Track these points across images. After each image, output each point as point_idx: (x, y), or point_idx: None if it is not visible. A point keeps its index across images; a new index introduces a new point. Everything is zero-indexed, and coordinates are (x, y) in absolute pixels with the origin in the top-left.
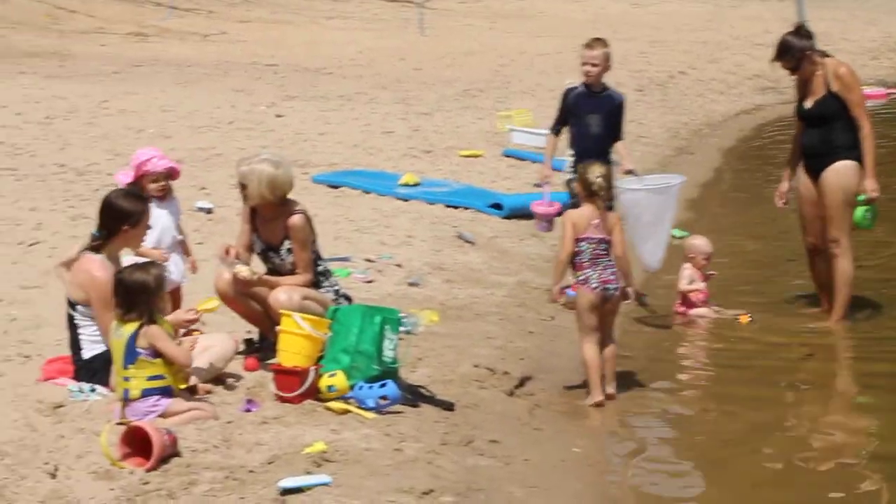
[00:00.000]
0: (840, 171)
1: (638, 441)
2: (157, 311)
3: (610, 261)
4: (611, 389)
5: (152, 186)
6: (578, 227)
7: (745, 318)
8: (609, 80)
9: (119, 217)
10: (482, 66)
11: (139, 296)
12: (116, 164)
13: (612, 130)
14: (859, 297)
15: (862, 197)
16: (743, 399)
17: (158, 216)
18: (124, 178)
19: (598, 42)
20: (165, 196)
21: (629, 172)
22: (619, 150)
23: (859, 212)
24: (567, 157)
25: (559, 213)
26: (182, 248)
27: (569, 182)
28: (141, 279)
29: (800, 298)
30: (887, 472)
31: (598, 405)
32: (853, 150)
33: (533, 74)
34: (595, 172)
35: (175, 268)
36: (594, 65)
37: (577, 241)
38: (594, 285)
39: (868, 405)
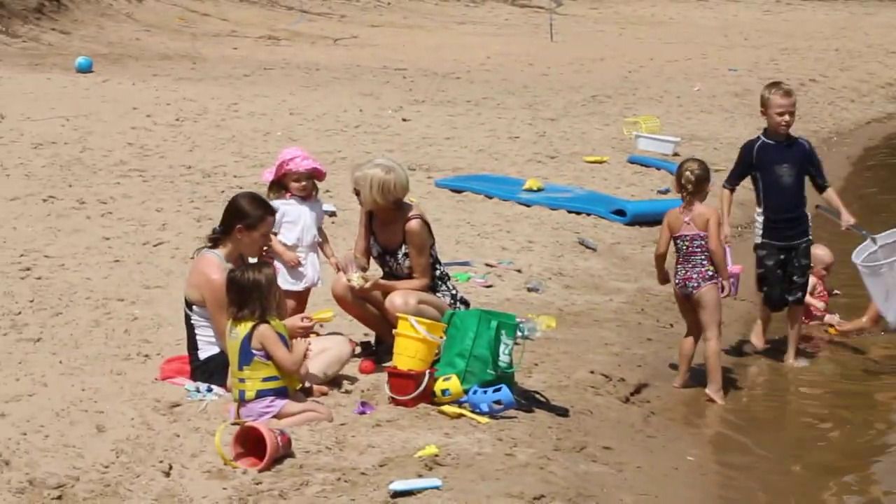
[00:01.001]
0: None
1: (752, 450)
2: (269, 310)
3: (704, 258)
4: (708, 391)
5: (294, 185)
6: (673, 226)
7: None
8: (738, 87)
9: (236, 215)
10: (610, 72)
11: (251, 294)
12: (243, 166)
13: (803, 179)
14: None
15: None
16: (866, 409)
17: (301, 214)
18: (269, 175)
19: (789, 88)
20: (309, 196)
21: (852, 228)
22: (831, 201)
23: None
24: (756, 216)
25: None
26: (322, 249)
27: (756, 248)
28: (253, 278)
29: None
30: None
31: (678, 386)
32: None
33: (661, 81)
34: (689, 167)
35: (311, 269)
36: (792, 113)
37: (673, 239)
38: (676, 281)
39: None
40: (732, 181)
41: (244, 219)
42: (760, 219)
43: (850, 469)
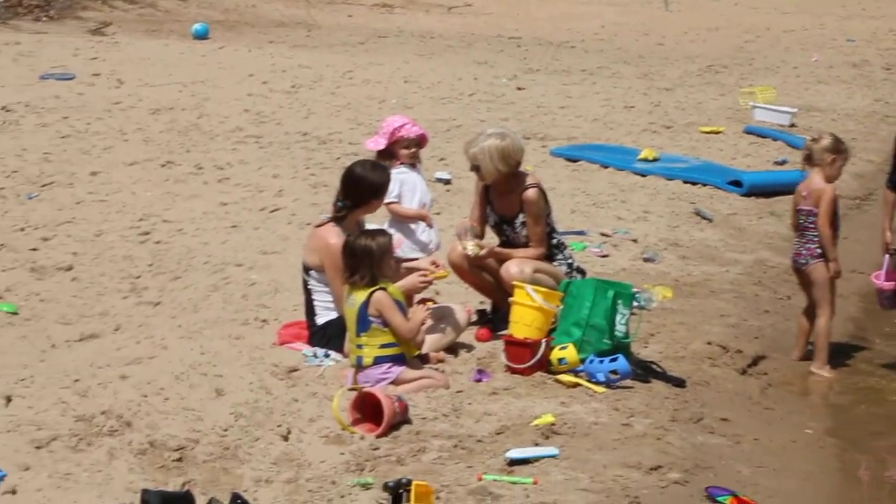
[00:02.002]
0: None
1: (874, 424)
2: (380, 276)
3: (817, 234)
4: (813, 367)
5: (404, 152)
6: (795, 198)
7: None
8: (856, 58)
9: (369, 190)
10: (726, 42)
11: (362, 260)
12: (359, 133)
13: None
14: None
15: None
16: None
17: (415, 181)
18: (373, 144)
19: None
20: (415, 163)
21: None
22: None
23: None
24: None
25: None
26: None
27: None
28: (364, 244)
29: None
30: None
31: (795, 359)
32: None
33: (778, 51)
34: (813, 136)
35: (434, 233)
36: None
37: (797, 211)
38: (791, 254)
39: None
40: (892, 179)
41: (379, 191)
42: None
43: None
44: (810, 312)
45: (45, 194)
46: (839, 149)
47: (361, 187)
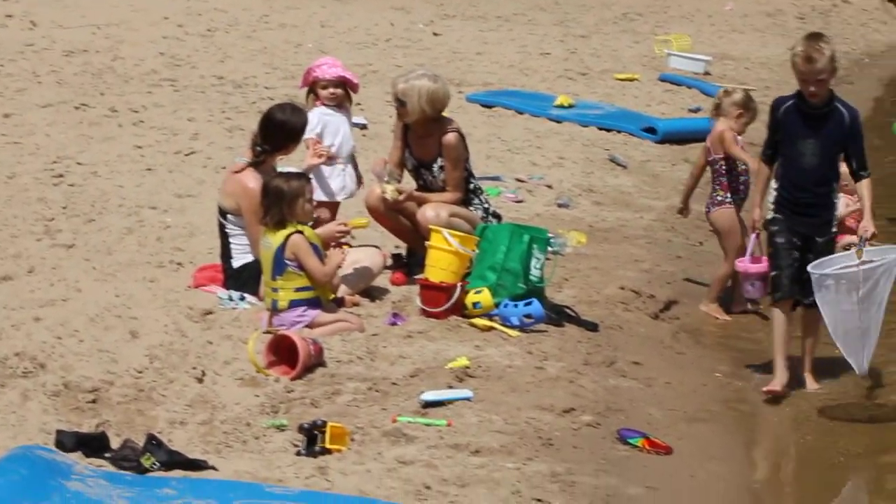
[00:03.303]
0: None
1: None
2: (290, 218)
3: (719, 183)
4: (702, 305)
5: (323, 93)
6: (704, 152)
7: None
8: (770, 7)
9: (287, 134)
10: None
11: (273, 200)
12: (274, 77)
13: (833, 160)
14: None
15: None
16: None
17: (339, 124)
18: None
19: (820, 45)
20: (341, 105)
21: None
22: (862, 194)
23: None
24: (772, 189)
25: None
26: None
27: (768, 224)
28: (276, 185)
29: None
30: None
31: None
32: None
33: (693, 0)
34: (732, 94)
35: (349, 179)
36: (821, 82)
37: (708, 163)
38: None
39: None
40: (767, 152)
41: (298, 134)
42: (773, 194)
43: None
44: None
45: None
46: (748, 106)
47: (279, 131)
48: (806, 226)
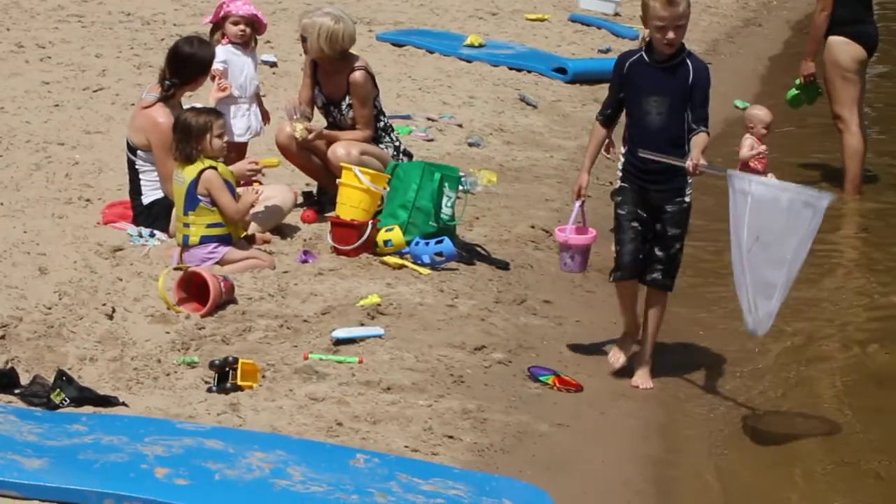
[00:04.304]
0: (829, 47)
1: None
2: (196, 154)
3: None
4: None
5: (233, 30)
6: None
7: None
8: None
9: (195, 67)
10: None
11: (183, 136)
12: (183, 14)
13: (682, 118)
14: None
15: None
16: None
17: (244, 64)
18: (205, 20)
19: None
20: (248, 45)
21: (706, 170)
22: (695, 142)
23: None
24: (619, 154)
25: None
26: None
27: (614, 194)
28: (185, 120)
29: None
30: None
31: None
32: (846, 26)
33: None
34: None
35: (254, 119)
36: (679, 28)
37: None
38: None
39: None
40: (605, 112)
41: (206, 67)
42: (622, 159)
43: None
44: None
45: None
46: None
47: (187, 63)
48: (653, 194)
